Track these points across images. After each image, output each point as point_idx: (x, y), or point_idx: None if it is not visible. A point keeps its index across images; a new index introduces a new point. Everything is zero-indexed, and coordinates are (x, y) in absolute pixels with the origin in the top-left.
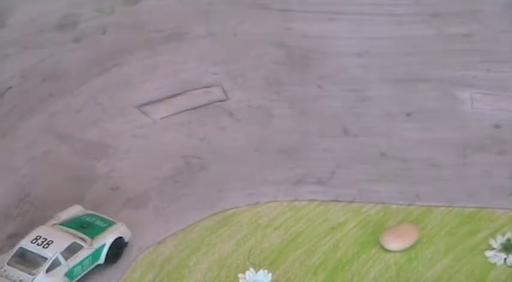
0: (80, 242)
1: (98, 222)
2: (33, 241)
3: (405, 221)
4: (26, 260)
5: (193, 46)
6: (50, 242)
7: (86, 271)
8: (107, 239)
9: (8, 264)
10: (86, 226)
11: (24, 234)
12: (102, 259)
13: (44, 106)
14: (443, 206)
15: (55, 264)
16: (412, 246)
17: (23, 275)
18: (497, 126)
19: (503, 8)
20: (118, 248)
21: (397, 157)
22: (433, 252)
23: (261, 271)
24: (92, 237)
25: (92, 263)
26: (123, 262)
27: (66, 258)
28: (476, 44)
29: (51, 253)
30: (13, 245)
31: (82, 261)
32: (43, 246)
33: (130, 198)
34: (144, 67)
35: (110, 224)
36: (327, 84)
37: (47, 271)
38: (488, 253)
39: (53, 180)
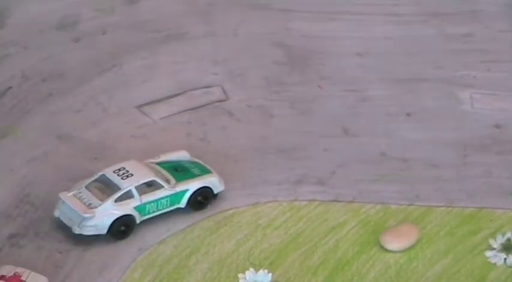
0: (160, 181)
1: (194, 169)
2: (115, 171)
3: (405, 221)
4: (103, 187)
5: (193, 46)
6: (129, 175)
7: (163, 211)
8: (192, 186)
9: (85, 187)
10: (179, 170)
11: (24, 234)
12: (183, 203)
13: (43, 106)
14: (443, 206)
15: (127, 196)
16: (412, 246)
17: (94, 200)
18: (497, 126)
19: (503, 8)
20: (203, 197)
21: (397, 157)
22: (433, 252)
23: (261, 271)
24: (179, 180)
25: (171, 205)
26: (123, 262)
27: (140, 193)
28: (476, 44)
29: (125, 185)
30: (13, 245)
31: (158, 200)
32: (121, 178)
33: None
34: (144, 67)
35: (205, 172)
36: (327, 84)
37: (116, 201)
38: (488, 253)
39: (53, 181)
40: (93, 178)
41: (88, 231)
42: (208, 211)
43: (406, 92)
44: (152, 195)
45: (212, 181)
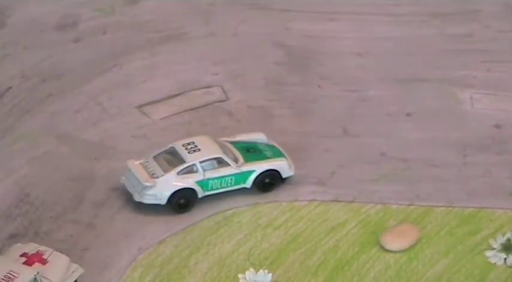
0: (227, 159)
1: (267, 152)
2: (185, 144)
3: (405, 221)
4: (170, 159)
5: (193, 46)
6: (197, 150)
7: (227, 189)
8: (259, 167)
9: (153, 157)
10: (251, 151)
11: (24, 234)
12: (248, 184)
13: (43, 106)
14: (443, 206)
15: (190, 169)
16: (412, 246)
17: (158, 170)
18: (497, 126)
19: (503, 8)
20: (270, 180)
21: (397, 157)
22: (433, 252)
23: (261, 271)
24: (248, 161)
25: (235, 184)
26: (123, 262)
27: (205, 169)
28: (476, 44)
29: (190, 159)
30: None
31: (222, 177)
32: (188, 151)
33: (130, 199)
34: (144, 67)
35: (277, 156)
36: (327, 84)
37: (179, 173)
38: (488, 253)
39: (52, 181)
40: (163, 149)
41: (147, 200)
42: (209, 211)
43: (406, 92)
44: (216, 172)
45: (281, 165)
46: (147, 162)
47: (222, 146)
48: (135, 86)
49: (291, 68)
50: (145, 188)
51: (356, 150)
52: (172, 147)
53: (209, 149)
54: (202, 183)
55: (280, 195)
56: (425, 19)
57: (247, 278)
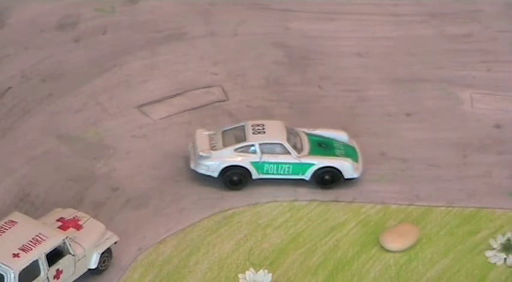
0: (289, 147)
1: (338, 150)
2: (254, 125)
3: (405, 221)
4: (237, 136)
5: (193, 46)
6: (261, 132)
7: (284, 176)
8: (320, 162)
9: (223, 131)
10: (323, 146)
11: None
12: (307, 176)
13: (43, 106)
14: (443, 206)
15: (248, 149)
16: (412, 246)
17: (219, 143)
18: (497, 126)
19: (503, 8)
20: (330, 177)
21: (397, 157)
22: (433, 252)
23: (261, 271)
24: (312, 154)
25: (293, 173)
26: (123, 262)
27: (263, 152)
28: (476, 44)
29: (251, 139)
30: None
31: (279, 163)
32: (253, 132)
33: (130, 199)
34: (144, 67)
35: (347, 156)
36: (327, 85)
37: (236, 150)
38: (488, 253)
39: (52, 181)
40: (235, 125)
41: (200, 170)
42: (208, 211)
43: (406, 92)
44: (275, 157)
45: (343, 164)
46: (214, 134)
47: (292, 134)
48: (135, 86)
49: (291, 68)
50: (201, 157)
51: None
52: (243, 125)
53: (273, 134)
54: (258, 165)
55: (280, 195)
56: (425, 19)
57: (247, 278)
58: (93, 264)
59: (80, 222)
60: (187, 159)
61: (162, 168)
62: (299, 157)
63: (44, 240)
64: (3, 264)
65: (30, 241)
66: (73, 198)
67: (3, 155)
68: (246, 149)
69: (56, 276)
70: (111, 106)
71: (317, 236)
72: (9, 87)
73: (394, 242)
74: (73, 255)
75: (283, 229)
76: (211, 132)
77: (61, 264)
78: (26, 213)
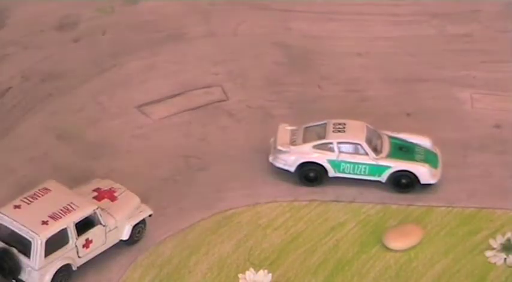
0: (367, 148)
1: (418, 155)
2: (335, 123)
3: (405, 221)
4: (318, 133)
5: (194, 46)
6: (342, 131)
7: (361, 176)
8: (396, 165)
9: (305, 127)
10: (404, 149)
11: None
12: (383, 178)
13: (43, 106)
14: (443, 206)
15: (327, 147)
16: (414, 246)
17: (299, 139)
18: (497, 126)
19: (503, 8)
20: (406, 180)
21: None
22: (433, 252)
23: (261, 271)
24: (390, 156)
25: (370, 174)
26: (123, 262)
27: (341, 151)
28: (476, 44)
29: (330, 137)
30: None
31: (355, 163)
32: (333, 130)
33: None
34: (144, 67)
35: (427, 161)
36: (327, 85)
37: (314, 147)
38: (488, 253)
39: None
40: (318, 123)
41: (278, 163)
42: (208, 211)
43: (406, 92)
44: (352, 157)
45: (419, 169)
46: (296, 130)
47: (374, 136)
48: (135, 85)
49: (291, 68)
50: (279, 151)
51: None
52: (325, 123)
53: (353, 134)
54: (335, 163)
55: (280, 195)
56: (425, 19)
57: (247, 278)
58: (125, 236)
59: (115, 194)
60: (186, 159)
61: (162, 168)
62: (376, 159)
63: (75, 209)
64: (31, 230)
65: (61, 209)
66: None
67: (3, 155)
68: (324, 147)
69: (86, 246)
70: (111, 106)
71: (317, 236)
72: (9, 87)
73: (398, 241)
74: (104, 226)
75: (283, 229)
76: (294, 127)
77: (91, 234)
78: None
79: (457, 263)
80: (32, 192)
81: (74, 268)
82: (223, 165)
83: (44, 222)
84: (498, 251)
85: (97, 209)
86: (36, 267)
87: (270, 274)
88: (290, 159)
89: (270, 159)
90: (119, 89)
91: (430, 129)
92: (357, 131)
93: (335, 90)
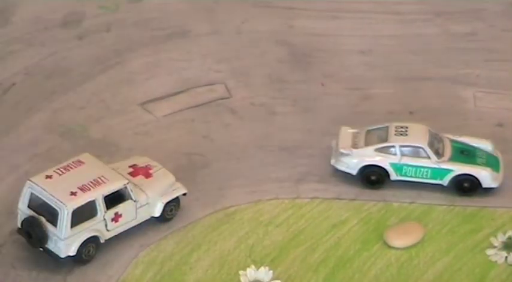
0: (429, 152)
1: (480, 159)
2: (397, 126)
3: (407, 219)
4: (379, 136)
5: (197, 44)
6: (404, 134)
7: (422, 180)
8: (458, 169)
9: (367, 130)
10: (465, 153)
11: None
12: (444, 181)
13: (47, 103)
14: (444, 205)
15: (389, 150)
16: (416, 244)
17: (361, 142)
18: (500, 125)
19: (507, 7)
20: (468, 183)
21: None
22: (434, 250)
23: (262, 268)
24: (452, 160)
25: (431, 178)
26: (124, 258)
27: (403, 154)
28: (480, 42)
29: (392, 140)
30: (15, 242)
31: (417, 167)
32: (395, 133)
33: None
34: (148, 64)
35: (487, 165)
36: (330, 82)
37: (376, 150)
38: (489, 251)
39: None
40: (379, 126)
41: (340, 166)
42: (210, 208)
43: (409, 91)
44: (414, 160)
45: (481, 173)
46: (358, 133)
47: (436, 139)
48: (139, 83)
49: (294, 66)
50: (341, 154)
51: None
52: (386, 126)
53: (416, 137)
54: (397, 166)
55: (282, 192)
56: (429, 17)
57: (248, 275)
58: (156, 213)
59: (150, 171)
60: (189, 157)
61: (165, 165)
62: (438, 162)
63: (105, 182)
64: (59, 200)
65: (91, 182)
66: None
67: (6, 152)
68: (386, 150)
69: (115, 219)
70: (115, 103)
71: (319, 234)
72: (13, 84)
73: (399, 239)
74: (134, 201)
75: (285, 226)
76: (356, 130)
77: (121, 208)
78: None
79: (458, 261)
80: (65, 163)
81: (102, 241)
82: (226, 163)
83: (73, 193)
84: (499, 249)
85: (127, 183)
86: (62, 237)
87: (271, 271)
88: (352, 162)
89: (332, 162)
90: (123, 86)
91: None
92: (419, 134)
93: (338, 88)
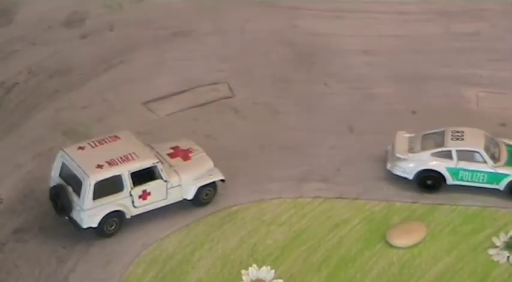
0: (485, 156)
1: None
2: (453, 131)
3: (409, 218)
4: (436, 140)
5: (200, 43)
6: (460, 138)
7: (478, 184)
8: None
9: (423, 134)
10: None
11: (29, 229)
12: (501, 186)
13: (50, 102)
14: (447, 204)
15: (445, 154)
16: (417, 244)
17: (417, 146)
18: (503, 125)
19: (510, 7)
20: None
21: None
22: (436, 250)
23: (264, 267)
24: (510, 165)
25: (488, 182)
26: (126, 257)
27: (459, 158)
28: (483, 42)
29: (449, 144)
30: (18, 240)
31: (473, 171)
32: (451, 138)
33: None
34: (151, 64)
35: None
36: (333, 82)
37: (433, 154)
38: (491, 251)
39: None
40: (434, 130)
41: (396, 171)
42: (213, 207)
43: (412, 90)
44: (471, 164)
45: None
46: (414, 137)
47: (492, 144)
48: (142, 82)
49: (297, 66)
50: (398, 159)
51: (361, 148)
52: (443, 130)
53: (472, 142)
54: (453, 171)
55: (284, 191)
56: (432, 17)
57: (250, 274)
58: (189, 196)
59: (190, 154)
60: None
61: None
62: (495, 167)
63: (134, 159)
64: (84, 171)
65: (121, 157)
66: None
67: (9, 151)
68: (442, 154)
69: (142, 197)
70: (118, 102)
71: (321, 233)
72: (16, 83)
73: (401, 239)
74: (165, 181)
75: (287, 226)
76: (412, 135)
77: (149, 186)
78: (31, 209)
79: (460, 260)
80: (101, 137)
81: (128, 216)
82: (228, 162)
83: (99, 166)
84: (501, 249)
85: (157, 162)
86: (84, 208)
87: (273, 270)
88: (408, 166)
89: (388, 166)
90: (126, 85)
91: (435, 128)
92: (475, 139)
93: (341, 88)
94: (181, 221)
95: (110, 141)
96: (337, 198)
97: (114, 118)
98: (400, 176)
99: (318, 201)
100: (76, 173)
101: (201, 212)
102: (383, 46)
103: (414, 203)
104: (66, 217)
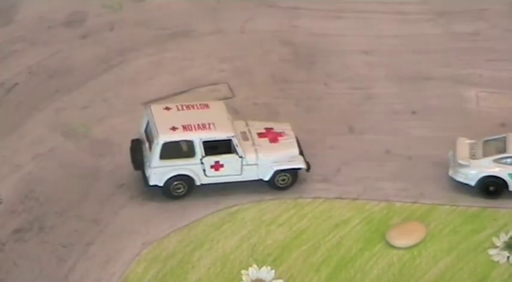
0: None
1: None
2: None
3: (409, 218)
4: (497, 147)
5: (200, 43)
6: None
7: None
8: None
9: (484, 140)
10: None
11: (29, 229)
12: None
13: (50, 102)
14: (447, 205)
15: (508, 160)
16: (418, 244)
17: (479, 153)
18: (503, 125)
19: (510, 7)
20: None
21: (402, 155)
22: (436, 250)
23: (264, 267)
24: None
25: None
26: (126, 257)
27: None
28: (483, 42)
29: (510, 151)
30: (18, 240)
31: None
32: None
33: (135, 195)
34: (151, 64)
35: None
36: (333, 82)
37: (495, 161)
38: (491, 251)
39: (58, 177)
40: (496, 136)
41: (458, 177)
42: (213, 207)
43: (412, 90)
44: None
45: None
46: (475, 143)
47: None
48: (142, 82)
49: (297, 66)
50: (460, 165)
51: (361, 148)
52: (504, 136)
53: None
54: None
55: (284, 192)
56: (431, 17)
57: (250, 274)
58: (266, 177)
59: (279, 138)
60: None
61: None
62: None
63: (210, 129)
64: (157, 131)
65: (198, 124)
66: (78, 194)
67: (9, 151)
68: (505, 160)
69: (215, 167)
70: (118, 103)
71: (321, 233)
72: (16, 83)
73: (401, 239)
74: (240, 157)
75: (287, 226)
76: (473, 141)
77: (223, 158)
78: (30, 209)
79: (460, 261)
80: (191, 102)
81: (198, 183)
82: None
83: (174, 128)
84: (501, 249)
85: (232, 137)
86: (151, 166)
87: (273, 270)
88: (470, 173)
89: (450, 173)
90: (126, 85)
91: (435, 128)
92: None
93: (341, 88)
94: (181, 221)
95: (197, 108)
96: (337, 198)
97: (114, 118)
98: (400, 176)
99: (317, 201)
100: (152, 130)
101: (200, 212)
102: (383, 46)
103: (414, 203)
104: (141, 170)
